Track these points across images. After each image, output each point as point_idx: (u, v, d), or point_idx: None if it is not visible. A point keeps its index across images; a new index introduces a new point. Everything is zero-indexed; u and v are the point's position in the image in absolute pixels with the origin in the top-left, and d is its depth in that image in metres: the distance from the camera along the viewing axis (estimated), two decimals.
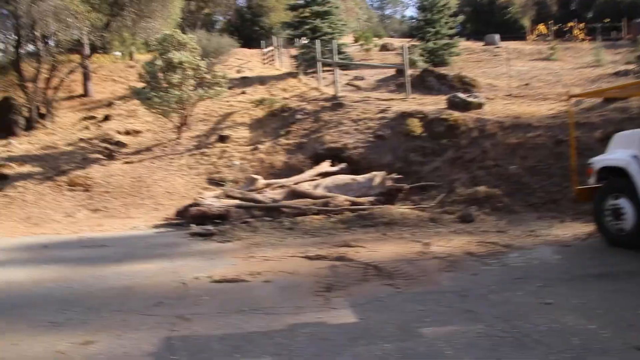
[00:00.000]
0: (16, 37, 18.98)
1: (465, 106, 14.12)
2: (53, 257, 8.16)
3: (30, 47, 20.27)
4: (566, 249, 7.49)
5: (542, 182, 11.08)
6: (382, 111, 14.81)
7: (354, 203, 10.75)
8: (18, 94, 19.18)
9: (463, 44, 25.33)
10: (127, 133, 16.70)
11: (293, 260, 7.35)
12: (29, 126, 18.10)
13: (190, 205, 10.78)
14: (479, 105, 14.30)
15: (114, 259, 7.82)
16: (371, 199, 11.03)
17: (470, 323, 4.63)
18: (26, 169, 14.59)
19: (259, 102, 17.36)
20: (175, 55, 14.75)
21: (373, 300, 5.39)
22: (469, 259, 7.05)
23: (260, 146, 14.59)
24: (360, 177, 11.62)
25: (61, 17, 17.70)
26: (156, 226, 10.67)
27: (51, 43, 19.20)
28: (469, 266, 6.68)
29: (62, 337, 4.66)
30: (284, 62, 26.59)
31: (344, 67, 21.85)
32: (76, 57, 22.32)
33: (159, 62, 15.13)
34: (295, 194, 11.06)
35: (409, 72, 17.26)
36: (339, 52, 20.37)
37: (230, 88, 17.56)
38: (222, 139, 15.23)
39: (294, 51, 26.06)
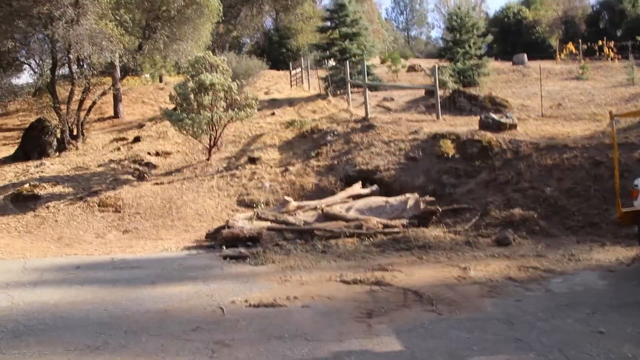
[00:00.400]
0: (52, 60, 19.32)
1: (498, 127, 13.92)
2: (86, 278, 8.12)
3: (65, 70, 20.62)
4: (611, 274, 7.24)
5: (579, 204, 10.81)
6: (414, 132, 14.67)
7: (387, 226, 10.59)
8: (51, 116, 19.48)
9: (491, 64, 25.11)
10: (158, 154, 16.78)
11: (329, 284, 7.21)
12: (61, 147, 18.34)
13: (222, 227, 10.72)
14: (512, 126, 14.09)
15: (148, 281, 7.76)
16: (404, 221, 10.86)
17: (521, 352, 4.46)
18: (58, 189, 14.71)
19: (289, 124, 17.34)
20: (207, 77, 14.82)
21: (417, 327, 5.23)
22: (510, 284, 6.85)
23: (290, 168, 14.53)
24: (393, 200, 11.46)
25: (96, 41, 17.99)
26: (187, 248, 10.60)
27: (85, 66, 19.46)
28: (511, 292, 6.48)
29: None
30: (312, 83, 26.65)
31: (374, 88, 21.81)
32: (108, 80, 22.68)
33: (191, 84, 15.22)
34: (327, 217, 10.94)
35: (439, 92, 17.13)
36: (368, 74, 20.31)
37: (259, 110, 17.62)
38: (252, 160, 15.22)
39: (322, 73, 26.12)
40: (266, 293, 6.80)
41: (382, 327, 5.28)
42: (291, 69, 30.61)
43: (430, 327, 5.24)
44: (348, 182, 13.39)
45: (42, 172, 16.04)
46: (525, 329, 5.05)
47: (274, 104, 21.16)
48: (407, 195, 11.66)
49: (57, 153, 18.06)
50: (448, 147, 13.37)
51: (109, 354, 4.80)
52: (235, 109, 15.49)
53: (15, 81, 25.12)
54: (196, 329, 5.45)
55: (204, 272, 8.32)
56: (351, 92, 19.55)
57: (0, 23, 19.19)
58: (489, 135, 13.46)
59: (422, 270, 7.80)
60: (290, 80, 29.29)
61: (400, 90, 22.38)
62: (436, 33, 79.68)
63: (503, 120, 14.14)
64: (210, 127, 15.30)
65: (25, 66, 21.89)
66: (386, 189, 12.81)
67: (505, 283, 6.88)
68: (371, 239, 10.09)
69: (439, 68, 18.21)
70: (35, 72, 20.42)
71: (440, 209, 11.34)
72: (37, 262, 9.67)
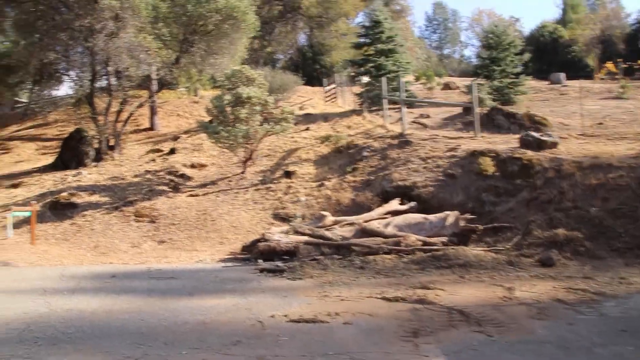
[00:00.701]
0: (91, 72, 19.64)
1: (538, 145, 13.59)
2: (123, 288, 8.07)
3: (103, 82, 20.96)
4: None
5: (626, 225, 10.41)
6: (452, 149, 14.42)
7: (426, 243, 10.35)
8: (89, 126, 19.75)
9: (528, 82, 24.72)
10: (193, 166, 16.83)
11: (370, 301, 7.01)
12: (99, 157, 18.56)
13: (258, 241, 10.61)
14: (553, 145, 13.73)
15: (184, 293, 7.67)
16: (444, 239, 10.62)
17: None
18: (95, 198, 14.83)
19: (324, 139, 17.23)
20: (244, 91, 14.85)
21: (466, 349, 5.00)
22: (560, 306, 6.56)
23: (326, 183, 14.39)
24: (432, 217, 11.22)
25: (134, 54, 18.24)
26: (222, 260, 10.52)
27: (122, 78, 19.72)
28: (562, 314, 6.20)
29: None
30: (346, 99, 26.58)
31: (410, 105, 21.63)
32: (144, 92, 22.94)
33: (227, 97, 15.25)
34: (364, 232, 10.75)
35: (477, 110, 16.87)
36: (402, 90, 20.14)
37: (294, 124, 17.58)
38: (288, 174, 15.12)
39: (356, 89, 26.04)
40: (306, 308, 6.64)
41: (429, 347, 5.06)
42: (325, 84, 30.62)
43: (481, 349, 5.01)
44: (385, 198, 13.19)
45: (79, 181, 16.22)
46: (584, 355, 4.80)
47: (309, 118, 21.11)
48: (446, 212, 11.40)
49: (95, 163, 18.28)
50: (487, 165, 13.09)
51: None
52: (271, 123, 15.46)
53: (55, 92, 25.72)
54: (236, 343, 5.31)
55: (241, 285, 8.19)
56: (386, 109, 19.39)
57: (43, 36, 19.63)
58: (529, 153, 13.13)
59: (465, 289, 7.56)
60: (325, 96, 29.28)
61: (436, 108, 22.13)
62: (469, 52, 79.24)
63: (544, 138, 13.80)
64: (246, 140, 15.29)
65: (65, 78, 22.34)
66: (424, 206, 12.57)
67: (554, 305, 6.60)
68: (410, 256, 9.86)
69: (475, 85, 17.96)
70: (74, 84, 20.77)
71: (480, 227, 11.06)
72: (74, 270, 9.68)
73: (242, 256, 10.65)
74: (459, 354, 4.86)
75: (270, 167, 16.08)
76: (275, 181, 14.98)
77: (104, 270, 9.62)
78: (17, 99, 31.86)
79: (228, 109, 15.14)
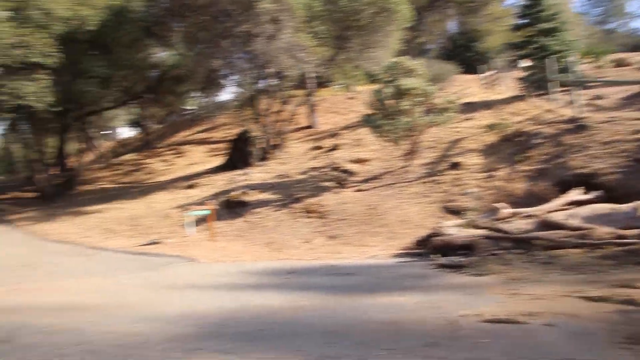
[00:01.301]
0: (252, 76, 20.45)
1: None
2: (303, 284, 8.14)
3: (264, 84, 21.75)
4: None
5: None
6: (638, 132, 13.04)
7: (619, 236, 9.37)
8: (253, 127, 20.57)
9: None
10: (355, 161, 16.85)
11: (567, 300, 6.39)
12: (264, 157, 19.27)
13: (431, 235, 10.29)
14: None
15: (365, 289, 7.54)
16: (637, 231, 9.55)
17: None
18: (263, 196, 15.36)
19: (489, 127, 16.43)
20: (406, 82, 14.55)
21: None
22: None
23: (495, 173, 13.67)
24: (623, 207, 10.15)
25: (293, 53, 18.65)
26: (395, 255, 10.31)
27: (282, 79, 20.29)
28: None
29: None
30: (507, 85, 25.28)
31: (581, 86, 20.03)
32: (301, 92, 23.48)
33: (388, 90, 15.04)
34: (545, 225, 9.98)
35: None
36: (571, 71, 18.67)
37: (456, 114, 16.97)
38: (454, 165, 14.58)
39: (517, 73, 24.67)
40: (496, 307, 6.19)
41: None
42: (482, 71, 29.42)
43: None
44: (562, 187, 12.21)
45: (248, 180, 16.92)
46: None
47: (469, 107, 20.30)
48: (637, 202, 10.27)
49: (260, 162, 18.99)
50: None
51: None
52: (434, 113, 15.02)
53: (220, 97, 27.25)
54: (432, 344, 5.02)
55: (421, 281, 7.92)
56: (554, 92, 18.08)
57: (207, 46, 20.75)
58: None
59: None
60: (483, 83, 28.12)
61: (611, 88, 20.29)
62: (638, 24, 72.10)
63: None
64: (409, 132, 14.99)
65: (228, 83, 23.53)
66: (609, 195, 11.46)
67: None
68: (600, 250, 8.97)
69: None
70: (237, 88, 21.80)
71: None
72: (253, 266, 10.00)
73: (415, 251, 10.37)
74: None
75: (435, 159, 15.62)
76: (441, 173, 14.51)
77: (280, 267, 9.82)
78: (184, 107, 34.32)
79: (389, 101, 14.93)
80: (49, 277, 10.07)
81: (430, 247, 9.89)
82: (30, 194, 27.25)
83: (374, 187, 14.57)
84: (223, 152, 22.10)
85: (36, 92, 17.68)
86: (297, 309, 6.66)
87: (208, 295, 7.60)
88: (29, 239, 16.21)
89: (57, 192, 25.09)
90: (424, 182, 14.21)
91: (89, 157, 32.90)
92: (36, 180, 26.42)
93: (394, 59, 16.54)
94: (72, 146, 32.69)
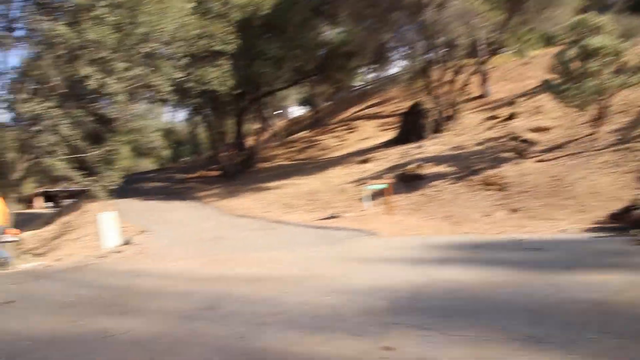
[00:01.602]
0: (422, 46, 20.07)
1: None
2: (491, 259, 7.84)
3: (433, 54, 21.25)
4: None
5: None
6: None
7: None
8: (424, 100, 20.25)
9: None
10: (535, 130, 15.93)
11: None
12: (437, 129, 18.91)
13: (628, 208, 9.41)
14: None
15: (560, 266, 7.07)
16: None
17: None
18: (439, 169, 15.09)
19: None
20: (593, 41, 13.35)
21: None
22: None
23: None
24: None
25: (465, 20, 17.98)
26: (588, 230, 9.56)
27: (453, 48, 19.69)
28: None
29: (550, 357, 4.08)
30: None
31: None
32: (472, 60, 22.64)
33: (572, 51, 13.93)
34: None
35: None
36: None
37: None
38: None
39: None
40: None
41: None
42: None
43: None
44: None
45: (422, 153, 16.73)
46: None
47: None
48: None
49: (433, 134, 18.68)
50: None
51: (558, 347, 4.27)
52: (625, 74, 13.64)
53: (389, 71, 27.19)
54: None
55: (622, 258, 7.25)
56: None
57: (376, 19, 20.71)
58: None
59: None
60: None
61: None
62: None
63: None
64: (597, 96, 13.78)
65: (398, 56, 23.36)
66: None
67: None
68: None
69: None
70: (407, 60, 21.53)
71: None
72: (434, 240, 9.86)
73: (610, 225, 9.55)
74: None
75: (627, 124, 14.24)
76: (636, 140, 13.19)
77: (463, 240, 9.58)
78: (352, 83, 34.77)
79: (574, 63, 13.81)
80: (239, 249, 10.74)
81: (628, 221, 9.05)
82: (213, 173, 29.45)
83: (558, 157, 13.65)
84: (394, 125, 22.08)
85: (218, 77, 18.91)
86: (491, 284, 6.41)
87: (394, 268, 7.60)
88: (217, 214, 17.48)
89: (237, 170, 26.84)
90: (616, 150, 13.00)
91: (265, 136, 34.66)
92: (219, 159, 28.46)
93: (577, 17, 15.25)
94: (248, 127, 34.71)
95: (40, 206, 45.06)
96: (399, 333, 4.79)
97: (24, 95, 13.16)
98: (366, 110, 29.97)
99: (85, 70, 12.76)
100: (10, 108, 14.33)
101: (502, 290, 6.09)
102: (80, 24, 12.53)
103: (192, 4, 15.36)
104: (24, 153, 13.76)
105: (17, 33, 13.86)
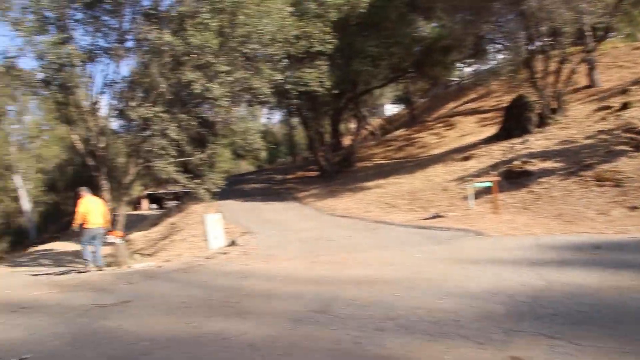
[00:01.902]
0: (525, 36, 19.23)
1: None
2: (614, 261, 7.26)
3: (537, 44, 20.32)
4: None
5: None
6: None
7: None
8: (528, 92, 19.40)
9: None
10: None
11: None
12: (542, 122, 18.05)
13: None
14: None
15: None
16: None
17: None
18: (547, 164, 14.38)
19: None
20: None
21: None
22: None
23: None
24: None
25: (572, 5, 17.01)
26: None
27: (559, 35, 18.72)
28: None
29: None
30: None
31: None
32: (578, 48, 21.46)
33: None
34: None
35: None
36: None
37: None
38: None
39: None
40: None
41: None
42: None
43: None
44: None
45: (528, 148, 16.02)
46: None
47: None
48: None
49: (539, 128, 17.84)
50: None
51: None
52: None
53: (489, 64, 26.32)
54: None
55: None
56: None
57: (475, 11, 20.09)
58: None
59: None
60: None
61: None
62: None
63: None
64: None
65: (499, 47, 22.53)
66: None
67: None
68: None
69: None
70: (509, 51, 20.70)
71: None
72: (547, 240, 9.36)
73: None
74: None
75: None
76: None
77: (580, 241, 9.02)
78: (449, 78, 33.99)
79: None
80: (343, 250, 10.65)
81: None
82: (311, 173, 29.73)
83: None
84: (495, 121, 21.33)
85: (317, 78, 18.99)
86: (617, 289, 5.94)
87: (507, 270, 7.25)
88: (317, 214, 17.57)
89: (335, 170, 26.91)
90: None
91: (362, 135, 34.61)
92: (317, 159, 28.66)
93: None
94: (345, 126, 34.76)
95: (147, 208, 47.35)
96: (524, 342, 4.52)
97: (134, 103, 13.78)
98: (465, 106, 29.18)
99: (190, 75, 13.18)
100: (121, 115, 15.07)
101: (631, 296, 5.64)
102: (185, 30, 12.96)
103: (290, 8, 15.50)
104: (134, 157, 14.40)
105: (127, 44, 14.54)
